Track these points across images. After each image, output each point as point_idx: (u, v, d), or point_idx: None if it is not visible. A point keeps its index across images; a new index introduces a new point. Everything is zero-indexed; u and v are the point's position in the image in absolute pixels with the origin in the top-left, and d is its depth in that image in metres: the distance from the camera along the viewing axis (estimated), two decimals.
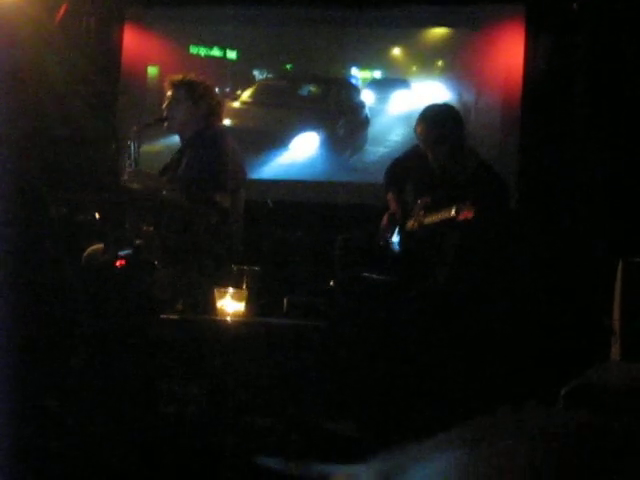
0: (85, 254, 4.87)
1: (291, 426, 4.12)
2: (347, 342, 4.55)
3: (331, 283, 4.93)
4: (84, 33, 7.12)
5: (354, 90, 7.37)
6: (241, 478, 3.59)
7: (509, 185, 5.42)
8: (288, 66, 7.51)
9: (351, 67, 7.37)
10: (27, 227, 4.97)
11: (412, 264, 5.07)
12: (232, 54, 7.44)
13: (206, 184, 4.84)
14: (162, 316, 4.48)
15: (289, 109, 7.53)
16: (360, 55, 7.37)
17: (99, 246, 4.77)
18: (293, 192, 7.14)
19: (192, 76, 5.13)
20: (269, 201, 6.30)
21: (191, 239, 4.79)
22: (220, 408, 4.26)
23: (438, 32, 7.21)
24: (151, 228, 4.76)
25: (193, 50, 7.40)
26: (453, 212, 4.70)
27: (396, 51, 7.27)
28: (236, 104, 7.40)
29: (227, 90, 7.37)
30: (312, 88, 7.58)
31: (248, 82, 7.49)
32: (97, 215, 4.94)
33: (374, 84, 7.35)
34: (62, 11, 6.85)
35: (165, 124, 5.10)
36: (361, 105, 7.38)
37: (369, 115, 7.35)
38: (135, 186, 4.91)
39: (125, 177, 4.98)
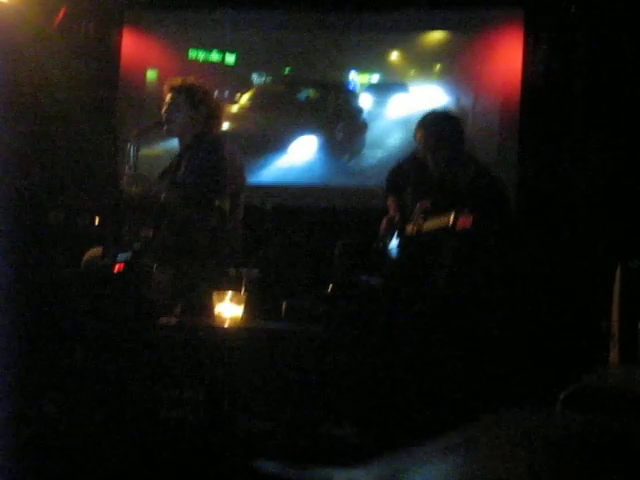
0: (84, 258, 4.87)
1: (290, 430, 4.12)
2: (346, 346, 4.55)
3: (330, 287, 4.93)
4: (83, 37, 7.13)
5: (352, 94, 7.38)
6: None
7: (508, 190, 5.42)
8: (287, 70, 7.51)
9: (349, 71, 7.37)
10: (26, 231, 4.97)
11: (411, 269, 5.08)
12: (231, 58, 7.44)
13: (205, 188, 4.84)
14: (160, 320, 4.48)
15: (287, 113, 7.53)
16: (358, 59, 7.37)
17: (98, 250, 4.77)
18: (291, 196, 7.14)
19: (191, 80, 5.13)
20: (268, 205, 6.31)
21: (190, 243, 4.79)
22: (219, 412, 4.26)
23: (436, 36, 7.22)
24: (150, 232, 4.77)
25: (192, 54, 7.40)
26: (451, 219, 4.71)
27: (394, 55, 7.28)
28: (235, 108, 7.40)
29: (226, 94, 7.37)
30: (310, 92, 7.58)
31: (246, 86, 7.49)
32: (96, 219, 4.94)
33: (372, 88, 7.35)
34: (61, 15, 6.86)
35: (164, 128, 5.10)
36: (359, 109, 7.38)
37: (367, 119, 7.35)
38: (134, 190, 4.91)
39: (124, 181, 4.98)
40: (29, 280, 4.60)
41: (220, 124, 5.27)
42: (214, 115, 5.14)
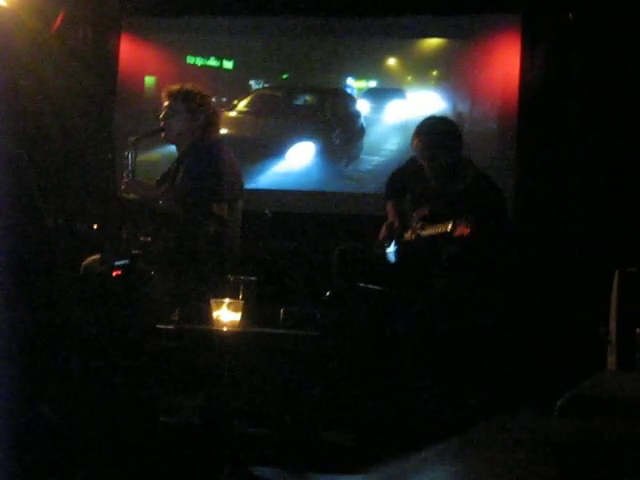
0: (83, 264, 4.87)
1: (288, 436, 4.12)
2: (344, 353, 4.55)
3: (328, 294, 4.93)
4: (81, 43, 7.13)
5: (350, 100, 7.39)
6: None
7: (506, 195, 5.43)
8: (284, 76, 7.52)
9: (347, 77, 7.38)
10: (24, 237, 4.97)
11: (409, 275, 5.08)
12: (229, 64, 7.45)
13: (203, 194, 4.84)
14: (158, 326, 4.48)
15: (285, 119, 7.54)
16: (356, 65, 7.38)
17: (97, 257, 4.77)
18: (289, 202, 7.15)
19: (189, 86, 5.13)
20: (268, 212, 6.30)
21: (188, 249, 4.79)
22: (217, 418, 4.25)
23: (433, 42, 7.23)
24: (148, 238, 4.76)
25: (190, 60, 7.41)
26: (449, 227, 4.72)
27: (391, 61, 7.29)
28: (232, 114, 7.41)
29: (224, 100, 7.38)
30: (308, 98, 7.60)
31: (244, 92, 7.51)
32: (95, 226, 4.94)
33: (370, 94, 7.36)
34: (59, 21, 6.86)
35: (162, 134, 5.10)
36: (357, 115, 7.39)
37: (365, 125, 7.37)
38: (132, 196, 4.91)
39: (122, 187, 4.99)
40: (28, 285, 4.60)
41: (218, 130, 5.27)
42: (212, 121, 5.14)
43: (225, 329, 4.40)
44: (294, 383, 4.37)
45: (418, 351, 4.52)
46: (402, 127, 7.02)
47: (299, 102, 7.59)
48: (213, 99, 5.55)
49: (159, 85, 6.87)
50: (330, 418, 4.31)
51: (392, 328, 4.66)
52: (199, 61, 7.42)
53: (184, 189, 4.91)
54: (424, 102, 7.10)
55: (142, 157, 5.20)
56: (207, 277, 4.76)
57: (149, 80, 7.38)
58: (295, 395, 4.35)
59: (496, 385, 4.38)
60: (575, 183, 6.26)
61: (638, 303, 4.33)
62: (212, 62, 7.43)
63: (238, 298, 4.51)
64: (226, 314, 4.42)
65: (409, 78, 7.25)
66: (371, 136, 7.32)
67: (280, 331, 4.66)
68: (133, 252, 4.60)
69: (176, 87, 5.11)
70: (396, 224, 5.28)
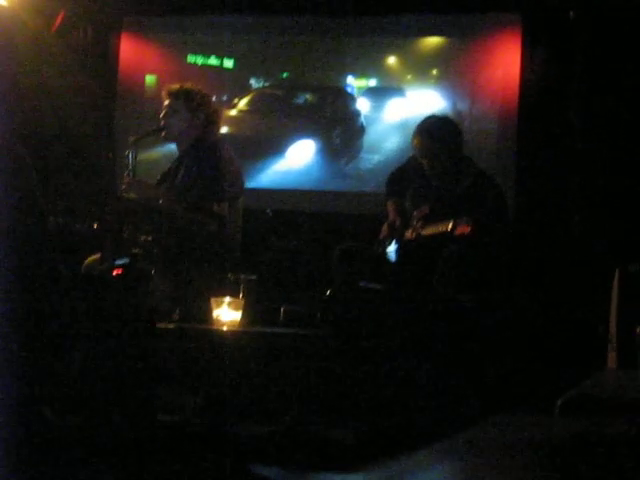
0: (84, 264, 4.87)
1: (288, 435, 4.12)
2: (344, 352, 4.55)
3: (328, 292, 4.93)
4: (81, 42, 7.12)
5: (350, 98, 7.39)
6: None
7: (507, 194, 5.43)
8: (284, 75, 7.52)
9: (347, 76, 7.38)
10: (25, 236, 4.97)
11: (410, 274, 5.08)
12: (229, 63, 7.45)
13: (204, 193, 4.85)
14: (159, 325, 4.48)
15: (285, 118, 7.54)
16: (356, 64, 7.38)
17: (98, 256, 4.77)
18: (289, 201, 7.15)
19: (189, 85, 5.13)
20: (268, 211, 6.31)
21: (189, 248, 4.79)
22: (217, 416, 4.26)
23: (433, 41, 7.23)
24: (149, 238, 4.77)
25: (190, 59, 7.41)
26: (450, 226, 4.73)
27: (391, 60, 7.29)
28: (233, 112, 7.41)
29: (224, 99, 7.38)
30: (308, 97, 7.60)
31: (245, 91, 7.51)
32: (95, 225, 4.94)
33: (369, 92, 7.36)
34: (59, 20, 6.86)
35: (163, 133, 5.10)
36: (357, 113, 7.39)
37: (364, 123, 7.37)
38: (133, 196, 4.91)
39: (123, 187, 4.99)
40: (28, 284, 4.60)
41: (218, 129, 5.28)
42: (212, 120, 5.15)
43: (225, 328, 4.40)
44: (294, 382, 4.37)
45: (418, 350, 4.51)
46: (402, 126, 7.02)
47: (299, 101, 7.60)
48: (213, 98, 5.55)
49: (160, 84, 6.87)
50: (331, 416, 4.31)
51: (392, 327, 4.66)
52: (200, 60, 7.41)
53: (185, 188, 4.91)
54: (424, 101, 7.10)
55: (143, 156, 5.20)
56: (207, 276, 4.77)
57: (150, 79, 7.38)
58: (295, 394, 4.35)
59: (496, 384, 4.38)
60: (575, 182, 6.26)
61: (638, 302, 4.33)
62: (212, 61, 7.43)
63: (238, 297, 4.52)
64: (226, 313, 4.43)
65: (409, 77, 7.24)
66: (371, 135, 7.32)
67: (280, 330, 4.67)
68: (133, 251, 4.60)
69: (176, 86, 5.11)
70: (397, 223, 5.28)
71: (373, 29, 7.21)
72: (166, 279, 4.67)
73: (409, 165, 5.41)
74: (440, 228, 4.86)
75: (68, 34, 6.99)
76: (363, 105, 7.34)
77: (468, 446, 1.52)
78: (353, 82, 7.37)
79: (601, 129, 6.12)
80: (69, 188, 6.32)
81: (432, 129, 5.13)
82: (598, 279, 4.76)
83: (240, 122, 7.41)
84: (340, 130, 7.47)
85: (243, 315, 4.47)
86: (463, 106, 7.02)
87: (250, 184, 5.96)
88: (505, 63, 6.83)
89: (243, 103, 7.49)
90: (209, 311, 4.44)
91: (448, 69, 7.17)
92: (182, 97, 5.07)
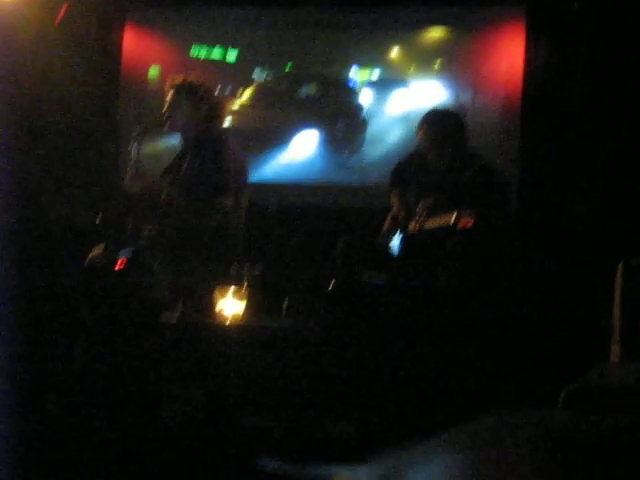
0: (89, 256, 4.87)
1: (291, 428, 4.13)
2: (347, 344, 4.56)
3: (331, 284, 4.94)
4: (85, 34, 7.10)
5: (353, 91, 7.38)
6: (241, 479, 3.60)
7: (509, 186, 5.42)
8: (288, 67, 7.51)
9: (350, 68, 7.37)
10: (28, 228, 4.98)
11: (413, 266, 5.08)
12: (233, 55, 7.44)
13: (208, 186, 4.85)
14: (162, 317, 4.49)
15: (288, 110, 7.54)
16: (359, 56, 7.37)
17: (102, 248, 4.78)
18: (292, 193, 7.15)
19: (193, 78, 5.13)
20: (272, 203, 6.31)
21: (193, 240, 4.80)
22: (220, 409, 4.26)
23: (437, 33, 7.21)
24: (153, 230, 4.77)
25: (194, 51, 7.40)
26: (453, 219, 4.72)
27: (395, 52, 7.28)
28: (236, 104, 7.40)
29: (228, 90, 7.37)
30: (311, 89, 7.59)
31: (248, 83, 7.50)
32: (99, 217, 4.95)
33: (373, 84, 7.35)
34: (62, 12, 6.85)
35: (166, 126, 5.10)
36: (360, 106, 7.39)
37: (368, 115, 7.36)
38: (137, 188, 4.92)
39: (127, 179, 4.99)
40: (31, 277, 4.61)
41: (222, 121, 5.28)
42: (216, 113, 5.15)
43: (228, 321, 4.41)
44: (297, 374, 4.38)
45: (421, 342, 4.52)
46: (405, 118, 7.02)
47: (302, 93, 7.59)
48: (217, 90, 5.55)
49: (163, 76, 6.85)
50: (333, 410, 4.31)
51: (395, 319, 4.66)
52: (203, 52, 7.41)
53: (188, 181, 4.92)
54: (427, 92, 7.09)
55: (146, 149, 5.20)
56: (211, 269, 4.77)
57: (153, 71, 7.37)
58: (298, 386, 4.36)
59: (499, 376, 4.38)
60: (579, 174, 6.25)
61: None
62: (216, 53, 7.42)
63: (242, 290, 4.52)
64: (230, 306, 4.44)
65: (412, 69, 7.24)
66: (374, 127, 7.32)
67: (283, 322, 4.68)
68: (137, 243, 4.62)
69: (180, 79, 5.11)
70: (400, 215, 5.28)
71: (376, 21, 7.19)
72: (169, 271, 4.68)
73: (413, 157, 5.41)
74: (443, 220, 4.86)
75: (71, 26, 6.97)
76: (366, 97, 7.34)
77: (470, 439, 1.53)
78: (356, 74, 7.36)
79: (604, 120, 6.11)
80: (72, 180, 6.32)
81: (437, 121, 5.12)
82: (602, 271, 4.75)
83: (243, 115, 7.40)
84: (343, 122, 7.46)
85: (246, 308, 4.48)
86: (466, 98, 7.01)
87: (254, 177, 5.96)
88: (509, 55, 6.82)
89: (246, 96, 7.48)
90: (212, 304, 4.45)
91: (451, 61, 7.15)
92: (185, 90, 5.07)
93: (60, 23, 6.78)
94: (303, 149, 7.33)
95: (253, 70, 7.47)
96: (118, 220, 4.84)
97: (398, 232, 5.25)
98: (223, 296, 4.45)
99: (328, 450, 3.88)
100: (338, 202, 6.97)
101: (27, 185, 5.13)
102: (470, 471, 1.50)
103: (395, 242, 5.25)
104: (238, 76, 7.47)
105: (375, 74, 7.35)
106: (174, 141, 5.41)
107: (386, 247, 5.28)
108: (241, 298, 4.46)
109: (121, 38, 7.29)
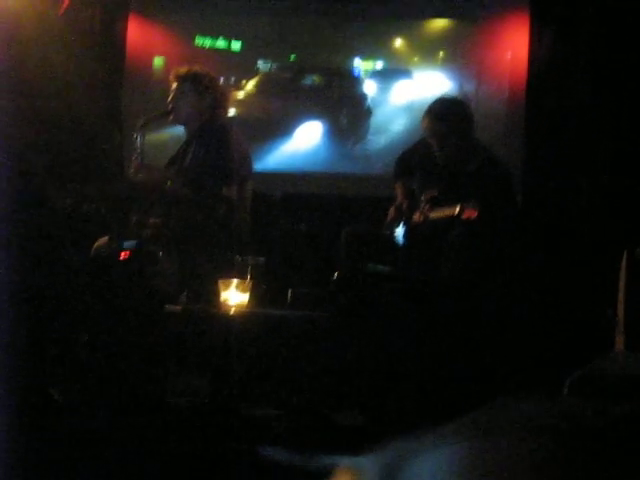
0: (94, 247, 4.88)
1: (295, 417, 4.14)
2: (351, 334, 4.56)
3: (335, 275, 4.94)
4: (88, 24, 7.10)
5: (357, 81, 7.38)
6: (246, 468, 3.61)
7: (514, 177, 5.41)
8: (292, 57, 7.51)
9: (354, 58, 7.37)
10: (31, 219, 4.99)
11: (417, 257, 5.08)
12: (237, 45, 7.44)
13: (213, 176, 4.85)
14: (166, 307, 4.49)
15: (293, 100, 7.54)
16: (363, 46, 7.37)
17: (107, 239, 4.78)
18: (296, 183, 7.15)
19: (197, 68, 5.13)
20: (277, 193, 6.32)
21: (197, 231, 4.80)
22: (224, 398, 4.27)
23: (440, 23, 7.21)
24: (157, 220, 4.78)
25: (199, 41, 7.40)
26: (457, 210, 4.72)
27: (398, 42, 7.28)
28: (240, 95, 7.41)
29: (232, 81, 7.37)
30: (315, 79, 7.59)
31: (252, 73, 7.50)
32: (103, 208, 4.95)
33: (376, 75, 7.35)
34: (66, 2, 6.84)
35: (171, 116, 5.10)
36: (363, 96, 7.39)
37: (371, 105, 7.36)
38: (141, 179, 4.92)
39: (131, 170, 5.00)
40: (36, 267, 4.61)
41: (226, 112, 5.28)
42: (220, 103, 5.15)
43: (233, 310, 4.42)
44: (301, 364, 4.38)
45: (425, 332, 4.52)
46: (409, 108, 7.02)
47: (306, 83, 7.59)
48: (221, 80, 5.54)
49: (168, 66, 6.85)
50: (338, 399, 4.32)
51: (400, 309, 4.67)
52: (207, 42, 7.40)
53: (193, 171, 4.92)
54: (431, 83, 7.09)
55: (151, 139, 5.21)
56: (216, 259, 4.77)
57: (158, 61, 7.37)
58: (303, 375, 4.37)
59: (503, 366, 4.38)
60: (584, 165, 6.24)
61: None
62: (220, 43, 7.41)
63: (246, 279, 4.53)
64: (234, 295, 4.44)
65: (416, 59, 7.23)
66: (378, 116, 7.32)
67: (288, 312, 4.68)
68: (142, 234, 4.62)
69: (184, 69, 5.11)
70: (405, 206, 5.28)
71: (381, 11, 7.19)
72: (174, 262, 4.68)
73: (417, 147, 5.40)
74: (447, 211, 4.85)
75: (75, 16, 6.96)
76: (370, 87, 7.34)
77: (476, 428, 1.52)
78: (360, 64, 7.35)
79: (609, 110, 6.10)
80: (77, 171, 6.32)
81: (442, 110, 5.10)
82: (606, 261, 4.75)
83: (248, 105, 7.40)
84: (347, 112, 7.46)
85: (251, 297, 4.48)
86: (470, 88, 7.01)
87: (258, 166, 5.97)
88: (513, 45, 6.81)
89: (251, 85, 7.48)
90: (217, 294, 4.46)
91: (456, 51, 7.15)
92: (190, 80, 5.07)
93: (64, 14, 6.77)
94: (307, 139, 7.33)
95: (257, 60, 7.47)
96: (122, 211, 4.84)
97: (402, 222, 5.25)
98: (227, 286, 4.45)
99: (333, 439, 3.89)
100: (342, 191, 6.97)
101: (32, 176, 5.13)
102: (477, 460, 1.49)
103: (399, 232, 5.25)
104: (242, 66, 7.47)
105: (379, 64, 7.34)
106: (178, 131, 5.41)
107: (390, 237, 5.28)
108: (245, 288, 4.46)
109: (125, 29, 7.28)
